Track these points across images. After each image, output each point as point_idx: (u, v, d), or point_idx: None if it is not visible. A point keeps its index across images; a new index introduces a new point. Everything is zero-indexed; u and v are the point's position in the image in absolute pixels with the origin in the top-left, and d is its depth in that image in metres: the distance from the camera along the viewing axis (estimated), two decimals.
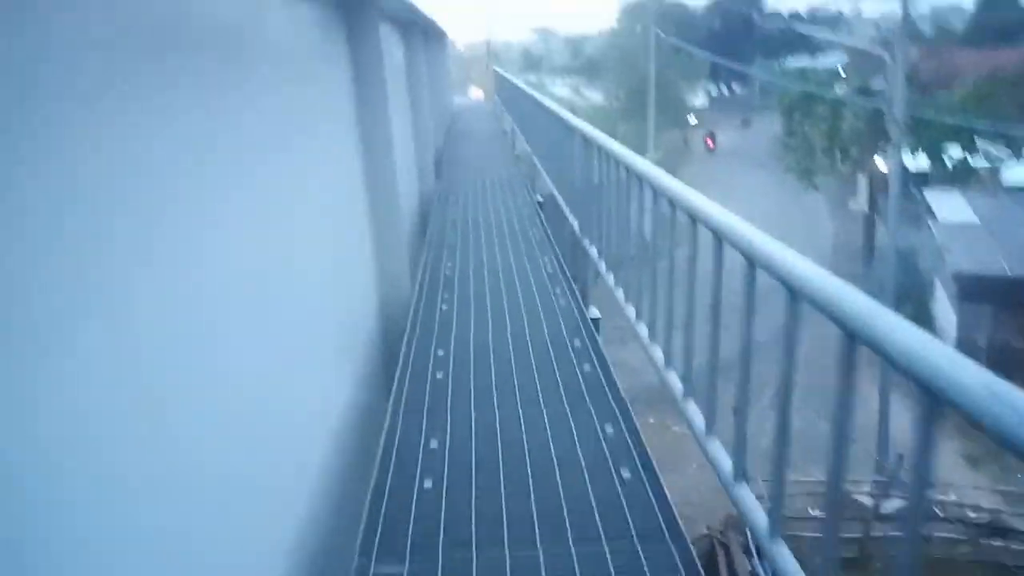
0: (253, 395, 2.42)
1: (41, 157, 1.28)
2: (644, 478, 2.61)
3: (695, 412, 2.19)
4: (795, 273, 1.46)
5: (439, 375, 3.47)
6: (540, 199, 8.27)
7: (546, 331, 3.99)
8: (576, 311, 4.37)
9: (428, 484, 2.60)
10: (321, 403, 3.44)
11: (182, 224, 1.98)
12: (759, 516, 1.72)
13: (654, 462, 2.70)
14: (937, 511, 10.70)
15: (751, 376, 1.80)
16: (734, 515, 11.15)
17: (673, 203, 2.30)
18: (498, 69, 17.94)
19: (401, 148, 7.01)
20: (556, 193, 6.05)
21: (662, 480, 2.58)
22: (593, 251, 4.48)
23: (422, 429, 2.98)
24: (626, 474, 2.63)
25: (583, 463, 2.71)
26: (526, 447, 2.82)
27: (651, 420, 14.45)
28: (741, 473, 1.87)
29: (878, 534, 10.41)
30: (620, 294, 3.48)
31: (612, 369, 3.46)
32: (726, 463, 1.91)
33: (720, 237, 1.83)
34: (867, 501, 10.79)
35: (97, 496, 1.34)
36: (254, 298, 2.55)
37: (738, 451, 1.87)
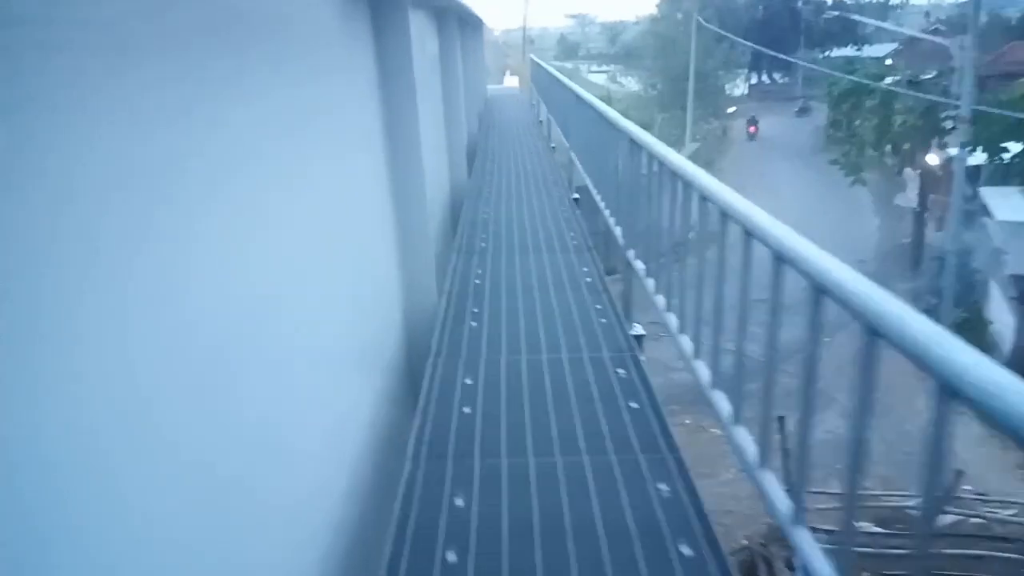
0: (261, 405, 2.15)
1: (38, 154, 1.23)
2: (707, 556, 2.19)
3: (723, 401, 2.24)
4: (819, 268, 1.52)
5: (466, 410, 3.07)
6: (576, 195, 7.87)
7: (586, 357, 3.57)
8: (619, 330, 3.95)
9: (452, 557, 2.21)
10: (337, 421, 3.07)
11: (185, 224, 1.75)
12: (782, 502, 1.76)
13: (718, 536, 2.27)
14: (997, 528, 10.04)
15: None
16: (775, 527, 10.65)
17: (714, 204, 2.29)
18: (535, 58, 17.45)
19: (431, 143, 6.63)
20: (593, 191, 5.62)
21: (729, 562, 2.15)
22: (625, 245, 4.08)
23: (446, 481, 2.59)
24: (685, 550, 2.21)
25: (633, 533, 2.29)
26: (566, 512, 2.41)
27: (687, 421, 13.93)
28: (766, 460, 1.91)
29: (932, 551, 9.83)
30: (651, 284, 3.31)
31: (663, 408, 3.03)
32: (751, 449, 1.96)
33: (761, 241, 1.87)
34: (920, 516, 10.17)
35: (97, 499, 1.31)
36: (263, 300, 2.25)
37: (763, 438, 1.92)
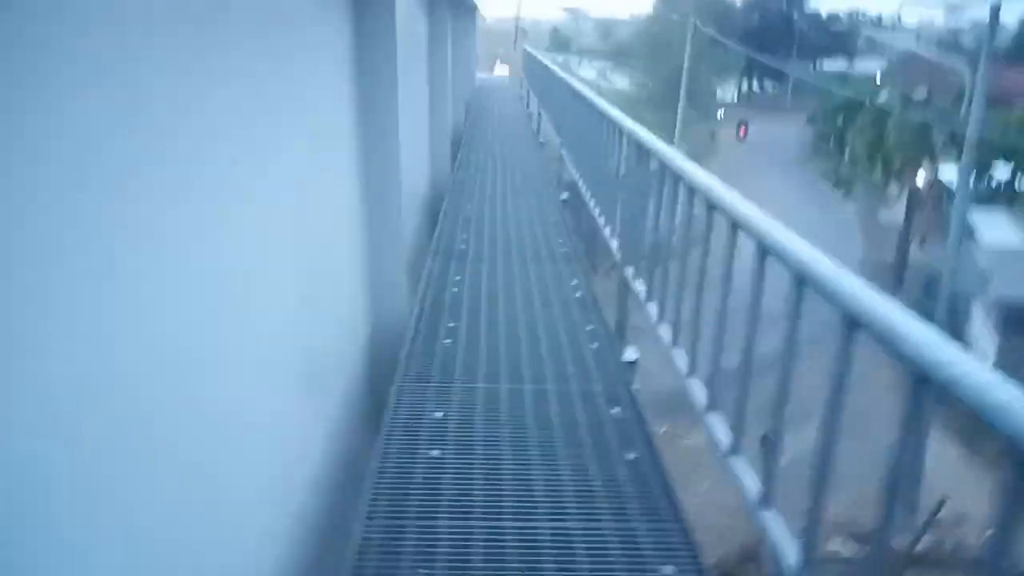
0: (186, 434, 1.76)
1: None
2: None
3: (720, 426, 2.08)
4: (801, 260, 1.61)
5: (434, 453, 2.61)
6: (565, 196, 7.44)
7: (575, 391, 3.12)
8: (612, 358, 3.51)
9: None
10: (282, 457, 2.60)
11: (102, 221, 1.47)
12: (790, 549, 1.59)
13: None
14: (974, 551, 9.81)
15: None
16: (750, 545, 10.35)
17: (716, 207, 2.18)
18: (529, 48, 16.96)
19: (413, 132, 6.13)
20: (587, 197, 5.18)
21: None
22: (623, 261, 3.66)
23: (404, 551, 2.13)
24: None
25: None
26: None
27: (663, 430, 13.56)
28: (770, 498, 1.75)
29: None
30: (653, 310, 2.98)
31: (663, 462, 2.59)
32: (753, 486, 1.80)
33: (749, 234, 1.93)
34: (897, 543, 9.98)
35: (79, 493, 1.30)
36: (192, 311, 1.84)
37: (768, 473, 1.76)
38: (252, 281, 2.28)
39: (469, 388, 3.07)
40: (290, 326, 2.73)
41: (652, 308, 3.12)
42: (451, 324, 3.74)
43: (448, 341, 3.53)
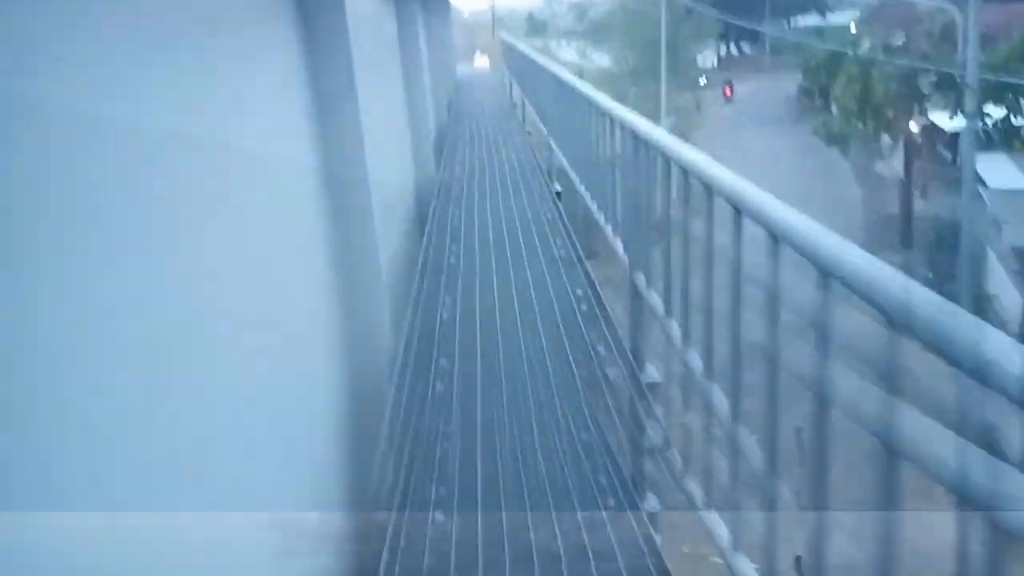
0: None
1: None
2: None
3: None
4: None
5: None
6: (559, 188, 7.00)
7: (593, 440, 2.69)
8: (631, 383, 3.08)
9: None
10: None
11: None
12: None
13: None
14: None
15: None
16: None
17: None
18: (505, 37, 16.47)
19: (389, 138, 5.70)
20: (579, 185, 4.75)
21: None
22: (632, 264, 3.24)
23: None
24: None
25: None
26: None
27: (685, 549, 12.77)
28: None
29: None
30: (674, 328, 2.60)
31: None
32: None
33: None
34: None
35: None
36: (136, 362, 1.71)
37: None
38: (200, 329, 1.90)
39: (468, 452, 2.63)
40: (249, 394, 2.32)
41: (674, 327, 2.70)
42: (443, 361, 3.31)
43: (440, 386, 3.07)
